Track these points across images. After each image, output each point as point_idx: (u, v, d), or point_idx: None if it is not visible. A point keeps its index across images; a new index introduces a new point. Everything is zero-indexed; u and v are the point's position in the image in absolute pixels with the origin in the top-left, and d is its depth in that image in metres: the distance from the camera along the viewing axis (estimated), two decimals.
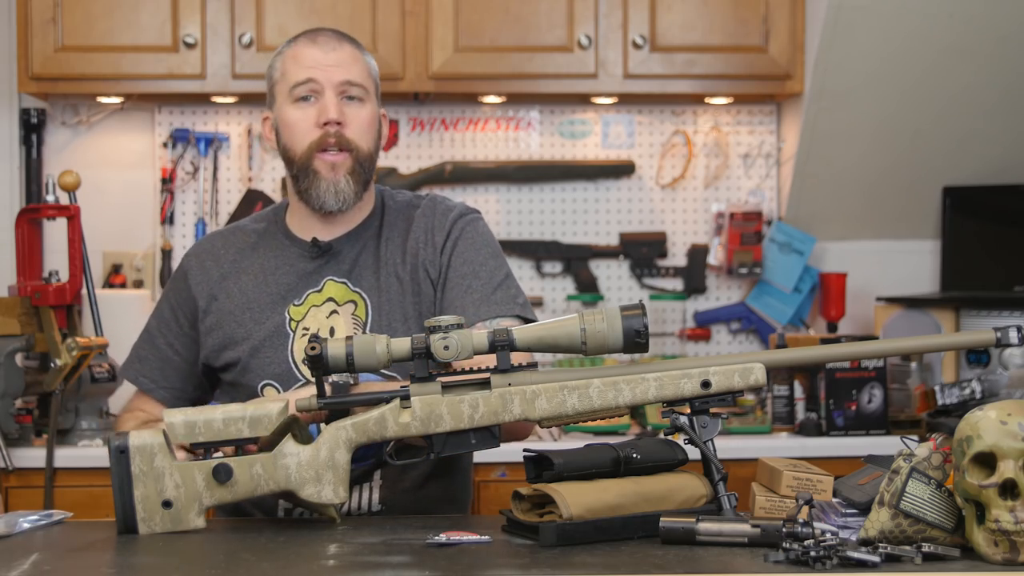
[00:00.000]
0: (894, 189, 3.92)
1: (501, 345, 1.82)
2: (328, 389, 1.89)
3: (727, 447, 3.21)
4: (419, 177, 3.85)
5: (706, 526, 1.71)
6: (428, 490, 2.19)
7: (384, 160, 3.91)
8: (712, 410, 1.86)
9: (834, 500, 1.85)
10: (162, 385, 2.25)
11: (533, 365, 1.88)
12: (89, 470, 3.16)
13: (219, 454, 1.87)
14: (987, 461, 1.60)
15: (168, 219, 3.87)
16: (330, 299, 2.18)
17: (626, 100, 3.89)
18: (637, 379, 1.85)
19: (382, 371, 1.94)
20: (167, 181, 3.87)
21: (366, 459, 2.11)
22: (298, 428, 1.90)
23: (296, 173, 2.20)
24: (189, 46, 3.57)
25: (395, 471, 2.14)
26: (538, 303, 3.93)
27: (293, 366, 2.16)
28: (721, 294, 4.02)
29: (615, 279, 4.00)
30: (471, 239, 2.21)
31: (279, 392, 2.16)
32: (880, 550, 1.59)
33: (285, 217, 2.28)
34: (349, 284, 2.19)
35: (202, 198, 3.88)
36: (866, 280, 3.97)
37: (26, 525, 1.90)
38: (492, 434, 1.86)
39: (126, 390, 2.38)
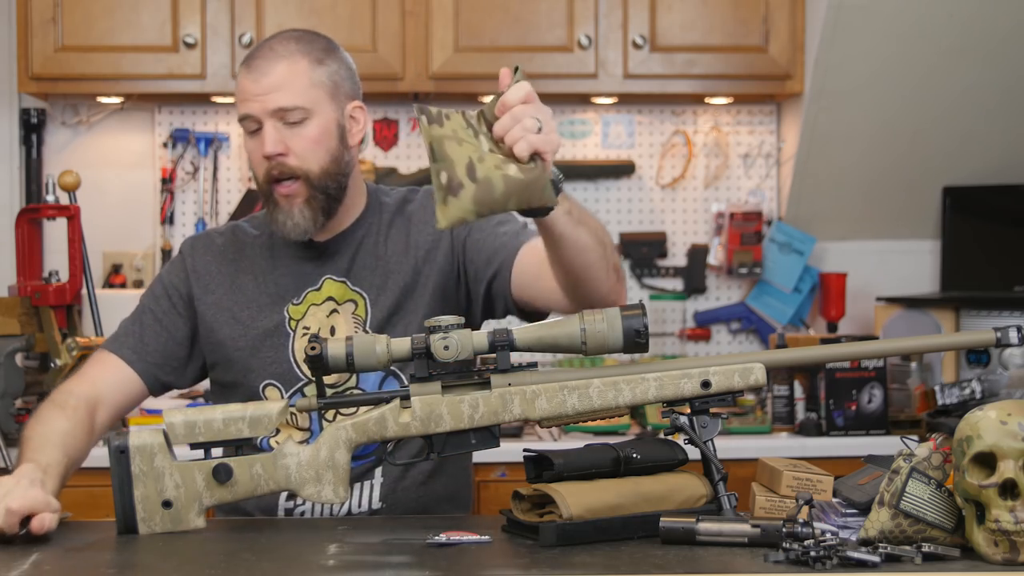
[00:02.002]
0: (894, 189, 3.92)
1: (501, 345, 1.82)
2: None
3: (727, 447, 3.21)
4: (419, 177, 3.85)
5: (706, 526, 1.71)
6: (429, 488, 2.19)
7: (384, 160, 3.91)
8: (712, 410, 1.86)
9: (834, 500, 1.85)
10: (143, 357, 2.20)
11: (533, 365, 1.88)
12: (89, 470, 3.14)
13: None
14: (987, 461, 1.60)
15: (168, 219, 3.87)
16: (330, 298, 2.18)
17: (626, 100, 3.89)
18: (637, 379, 1.85)
19: None
20: (167, 181, 3.87)
21: (366, 457, 2.11)
22: None
23: (262, 201, 2.19)
24: (189, 46, 3.57)
25: (396, 469, 2.14)
26: None
27: (294, 365, 2.16)
28: (721, 294, 4.02)
29: None
30: None
31: (281, 392, 2.16)
32: (880, 550, 1.59)
33: None
34: (348, 283, 2.19)
35: (202, 198, 3.88)
36: (866, 280, 3.97)
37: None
38: (492, 434, 1.86)
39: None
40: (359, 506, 2.14)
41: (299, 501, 2.13)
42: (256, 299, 2.20)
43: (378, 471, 2.15)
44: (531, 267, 2.10)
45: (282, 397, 2.15)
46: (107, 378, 2.18)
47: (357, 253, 2.21)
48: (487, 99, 1.80)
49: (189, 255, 2.26)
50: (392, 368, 2.13)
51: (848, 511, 1.81)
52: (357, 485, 2.14)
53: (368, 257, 2.20)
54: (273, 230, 2.18)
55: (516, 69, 1.79)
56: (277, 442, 2.05)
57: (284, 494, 2.12)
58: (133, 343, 2.21)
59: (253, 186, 3.87)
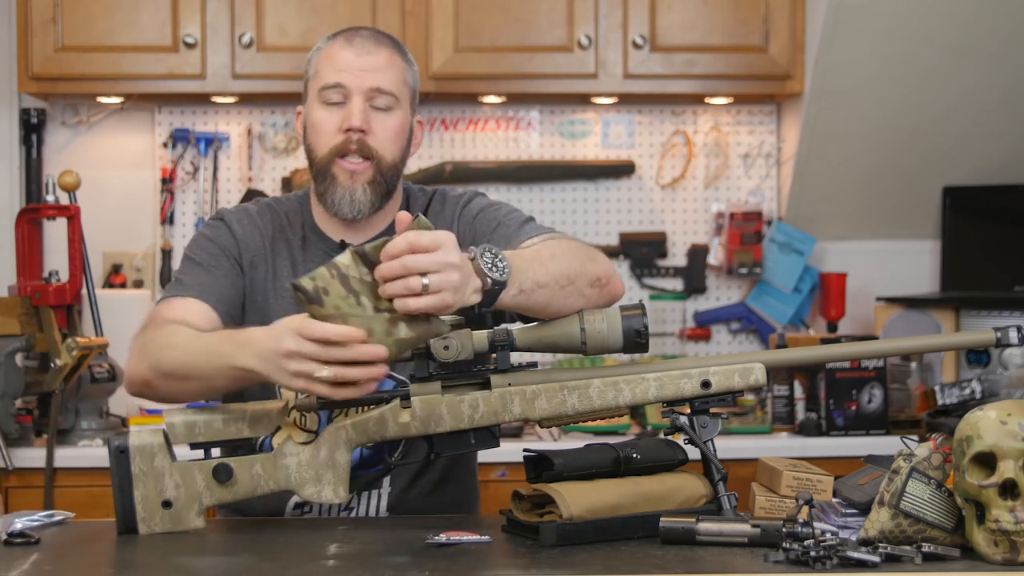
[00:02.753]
0: (894, 189, 3.92)
1: (501, 345, 1.82)
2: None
3: (727, 447, 3.21)
4: (419, 177, 3.85)
5: (706, 526, 1.71)
6: (436, 498, 2.17)
7: None
8: (712, 410, 1.87)
9: (834, 500, 1.85)
10: (223, 301, 2.09)
11: (533, 365, 1.88)
12: (89, 470, 3.16)
13: None
14: (987, 461, 1.60)
15: (168, 219, 3.87)
16: None
17: (626, 100, 3.89)
18: (637, 379, 1.85)
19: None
20: (167, 181, 3.87)
21: (374, 466, 2.10)
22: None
23: (316, 174, 2.15)
24: (189, 46, 3.57)
25: (403, 480, 2.12)
26: None
27: None
28: (721, 294, 4.02)
29: None
30: (482, 207, 2.17)
31: (297, 393, 2.09)
32: (880, 550, 1.59)
33: (312, 209, 2.22)
34: None
35: (202, 198, 3.88)
36: (866, 280, 3.97)
37: (30, 523, 1.89)
38: (492, 434, 1.86)
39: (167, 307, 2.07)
40: (366, 516, 2.12)
41: (307, 509, 2.11)
42: (286, 288, 2.13)
43: (385, 481, 2.12)
44: None
45: (297, 397, 2.11)
46: (197, 316, 2.04)
47: None
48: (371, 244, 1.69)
49: (234, 222, 2.17)
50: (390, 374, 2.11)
51: (848, 511, 1.81)
52: (364, 495, 2.11)
53: None
54: (326, 205, 2.13)
55: (417, 216, 1.70)
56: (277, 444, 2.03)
57: (292, 503, 2.10)
58: (213, 289, 2.08)
59: (253, 186, 3.87)
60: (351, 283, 1.68)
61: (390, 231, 2.17)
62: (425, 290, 1.67)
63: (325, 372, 1.70)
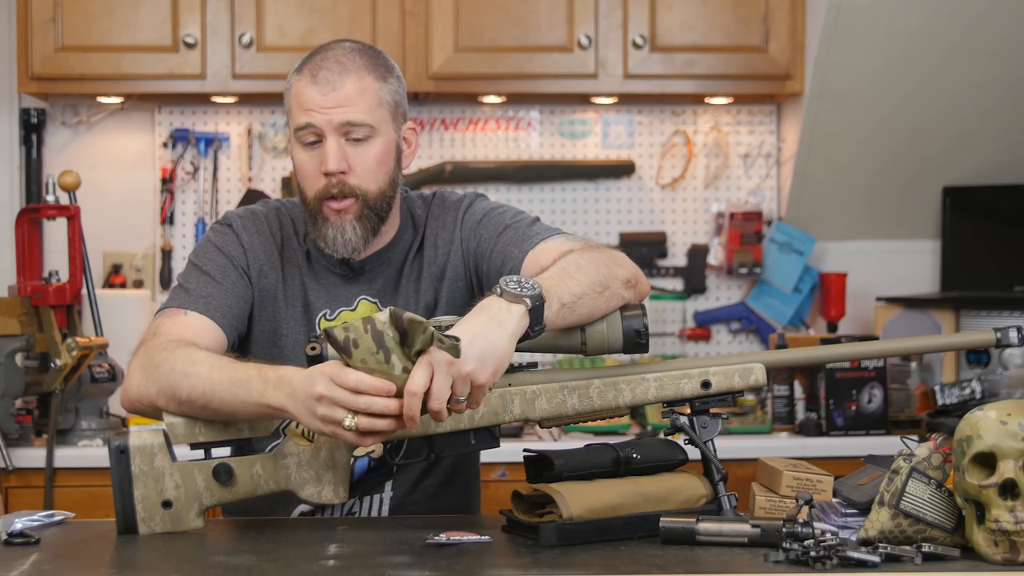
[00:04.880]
0: (894, 189, 3.92)
1: None
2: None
3: (727, 447, 3.20)
4: (419, 177, 3.85)
5: (706, 526, 1.71)
6: (439, 501, 2.16)
7: None
8: (712, 410, 1.87)
9: (834, 500, 1.85)
10: (228, 316, 2.06)
11: (533, 365, 1.88)
12: (89, 470, 3.16)
13: None
14: (987, 461, 1.60)
15: (168, 219, 3.87)
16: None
17: (626, 100, 3.89)
18: (637, 379, 1.85)
19: None
20: (167, 181, 3.87)
21: (377, 470, 2.10)
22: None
23: (308, 215, 2.10)
24: (189, 46, 3.57)
25: (405, 484, 2.12)
26: None
27: None
28: (721, 294, 4.02)
29: None
30: (485, 211, 2.15)
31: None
32: (880, 550, 1.59)
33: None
34: (379, 305, 2.12)
35: (202, 198, 3.88)
36: (866, 280, 3.97)
37: (30, 523, 1.89)
38: (492, 434, 1.86)
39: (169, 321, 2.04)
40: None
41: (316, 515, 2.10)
42: (294, 302, 2.12)
43: (387, 485, 2.12)
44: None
45: None
46: (201, 335, 2.02)
47: (391, 273, 2.14)
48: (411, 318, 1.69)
49: (242, 230, 2.14)
50: None
51: (848, 511, 1.81)
52: (367, 499, 2.11)
53: (400, 277, 2.14)
54: (320, 246, 2.09)
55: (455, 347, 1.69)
56: None
57: (297, 512, 2.10)
58: (216, 302, 2.06)
59: (253, 186, 3.87)
60: (385, 340, 1.69)
61: (390, 247, 2.15)
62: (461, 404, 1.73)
63: (351, 421, 1.70)
